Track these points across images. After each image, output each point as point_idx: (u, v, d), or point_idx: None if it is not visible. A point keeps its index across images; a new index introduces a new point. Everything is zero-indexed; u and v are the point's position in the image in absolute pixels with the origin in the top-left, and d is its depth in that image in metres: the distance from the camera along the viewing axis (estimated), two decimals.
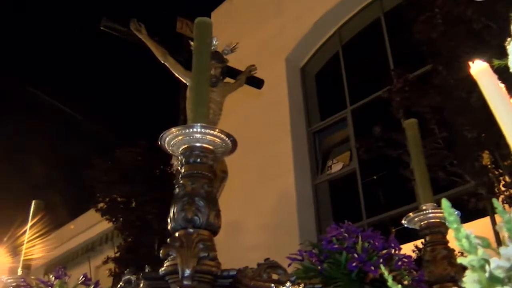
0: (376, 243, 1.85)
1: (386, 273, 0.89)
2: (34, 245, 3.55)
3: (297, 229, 7.91)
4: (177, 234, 1.63)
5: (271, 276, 1.89)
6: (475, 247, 0.77)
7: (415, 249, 5.56)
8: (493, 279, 0.75)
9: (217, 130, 1.77)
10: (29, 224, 3.54)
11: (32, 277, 3.11)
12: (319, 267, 1.81)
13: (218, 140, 1.77)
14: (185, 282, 1.52)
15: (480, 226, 5.57)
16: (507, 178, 5.29)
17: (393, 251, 1.90)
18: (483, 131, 5.43)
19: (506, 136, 0.81)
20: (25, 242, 3.48)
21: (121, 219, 9.16)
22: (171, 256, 1.60)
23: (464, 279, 0.78)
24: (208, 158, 1.76)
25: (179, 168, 1.79)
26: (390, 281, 0.88)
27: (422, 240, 2.66)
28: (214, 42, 3.62)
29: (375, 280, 1.77)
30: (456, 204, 0.83)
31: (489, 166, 5.52)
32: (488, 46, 5.12)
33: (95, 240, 12.81)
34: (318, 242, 1.98)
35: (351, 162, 8.45)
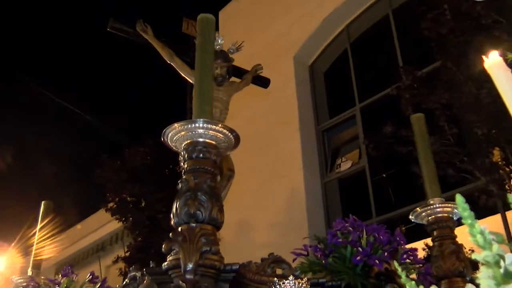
0: (381, 237, 1.84)
1: (399, 269, 0.88)
2: (44, 245, 3.58)
3: (307, 227, 7.89)
4: (180, 229, 1.63)
5: (275, 270, 1.88)
6: (489, 242, 0.77)
7: (425, 247, 5.52)
8: (508, 275, 0.75)
9: (220, 125, 1.77)
10: (39, 224, 3.57)
11: (42, 277, 3.13)
12: (324, 261, 1.80)
13: (221, 135, 1.77)
14: (188, 276, 1.52)
15: (491, 223, 5.52)
16: None
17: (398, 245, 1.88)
18: (493, 127, 5.39)
19: None
20: (35, 242, 3.51)
21: (131, 218, 9.20)
22: (174, 251, 1.61)
23: (478, 275, 0.78)
24: (211, 154, 1.76)
25: (182, 163, 1.79)
26: (403, 277, 0.88)
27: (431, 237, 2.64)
28: (219, 41, 3.63)
29: (380, 273, 1.76)
30: (466, 201, 0.82)
31: (500, 163, 5.47)
32: (498, 41, 5.08)
33: (105, 240, 12.88)
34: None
35: (360, 160, 8.41)
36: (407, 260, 1.89)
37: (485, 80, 5.40)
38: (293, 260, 1.95)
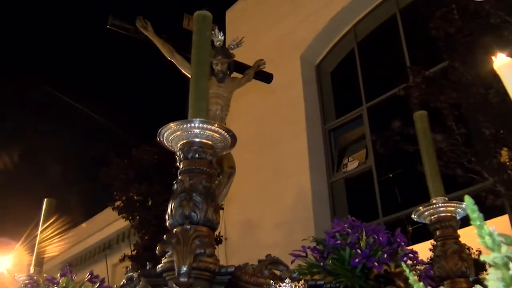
0: (381, 238, 1.80)
1: (407, 271, 0.86)
2: (47, 243, 3.57)
3: (313, 227, 7.86)
4: (174, 231, 1.61)
5: (272, 272, 1.86)
6: (498, 244, 0.76)
7: (432, 248, 5.46)
8: None
9: (216, 125, 1.74)
10: (41, 222, 3.57)
11: (44, 275, 3.13)
12: (322, 263, 1.77)
13: (217, 135, 1.74)
14: (182, 279, 1.49)
15: (499, 224, 5.44)
16: None
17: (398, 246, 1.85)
18: (501, 128, 5.33)
19: None
20: (37, 240, 3.51)
21: (138, 217, 9.22)
22: (168, 253, 1.58)
23: (487, 276, 0.77)
24: (207, 154, 1.73)
25: (178, 163, 1.77)
26: (411, 279, 0.86)
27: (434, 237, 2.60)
28: (220, 37, 3.60)
29: (380, 276, 1.73)
30: (475, 201, 0.80)
31: (508, 163, 5.40)
32: (507, 41, 5.02)
33: (112, 238, 12.92)
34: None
35: (367, 159, 8.36)
36: (408, 262, 1.86)
37: (493, 80, 5.35)
38: (292, 262, 1.92)
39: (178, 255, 1.51)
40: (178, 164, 1.77)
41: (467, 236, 2.36)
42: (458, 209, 2.32)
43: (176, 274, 1.50)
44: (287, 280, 1.56)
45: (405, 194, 7.68)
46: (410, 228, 6.91)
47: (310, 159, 8.61)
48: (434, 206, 2.31)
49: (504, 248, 0.75)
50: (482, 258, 0.78)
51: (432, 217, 2.33)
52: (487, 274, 0.79)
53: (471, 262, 2.28)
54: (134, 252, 9.23)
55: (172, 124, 1.72)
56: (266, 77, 4.49)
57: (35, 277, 2.86)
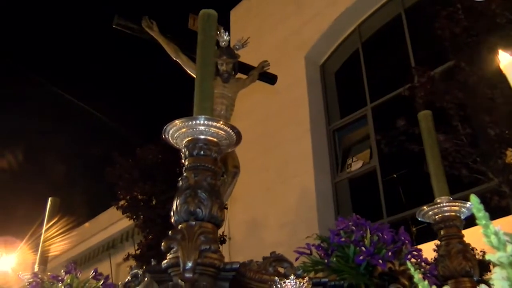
0: (385, 236, 1.80)
1: (412, 269, 0.86)
2: (52, 242, 3.59)
3: (317, 227, 7.85)
4: (179, 227, 1.62)
5: (277, 269, 1.86)
6: (504, 243, 0.76)
7: (436, 248, 5.45)
8: None
9: (221, 122, 1.74)
10: (46, 221, 3.58)
11: (49, 273, 3.15)
12: (326, 261, 1.78)
13: (222, 133, 1.74)
14: (187, 275, 1.50)
15: (503, 225, 5.42)
16: None
17: (402, 244, 1.85)
18: (507, 128, 5.31)
19: None
20: (42, 238, 3.53)
21: (142, 216, 9.23)
22: (173, 249, 1.59)
23: (492, 276, 0.77)
24: (212, 151, 1.74)
25: (183, 161, 1.78)
26: (416, 277, 0.86)
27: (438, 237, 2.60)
28: (225, 37, 3.61)
29: (384, 273, 1.73)
30: (480, 201, 0.81)
31: None
32: None
33: (116, 238, 12.95)
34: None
35: (371, 160, 8.35)
36: (412, 260, 1.85)
37: (499, 80, 5.33)
38: (296, 259, 1.92)
39: (183, 251, 1.52)
40: (183, 161, 1.78)
41: (471, 236, 2.36)
42: (463, 209, 2.31)
43: (181, 269, 1.51)
44: (292, 277, 1.57)
45: (410, 194, 7.67)
46: (414, 229, 6.90)
47: (314, 159, 8.61)
48: (439, 205, 2.31)
49: (509, 248, 0.75)
50: (487, 257, 0.78)
51: (436, 217, 2.33)
52: (491, 274, 0.79)
53: (475, 262, 2.28)
54: (138, 251, 9.24)
55: (177, 121, 1.72)
56: (270, 78, 4.49)
57: (40, 275, 2.88)
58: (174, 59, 3.78)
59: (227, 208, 7.87)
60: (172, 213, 1.68)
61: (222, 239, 7.99)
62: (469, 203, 2.30)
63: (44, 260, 3.41)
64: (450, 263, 2.17)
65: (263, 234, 8.39)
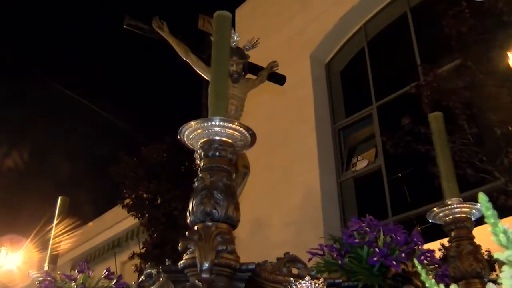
0: (399, 238, 1.81)
1: (419, 267, 0.87)
2: (60, 240, 3.61)
3: (322, 227, 7.87)
4: (196, 228, 1.63)
5: (291, 270, 1.87)
6: None
7: (441, 248, 5.46)
8: None
9: (236, 123, 1.75)
10: (56, 220, 3.60)
11: (58, 272, 3.16)
12: (340, 262, 1.79)
13: (237, 134, 1.75)
14: (204, 275, 1.51)
15: (510, 224, 5.42)
16: None
17: (415, 246, 1.86)
18: None
19: None
20: (51, 237, 3.55)
21: (147, 215, 9.26)
22: (190, 250, 1.60)
23: (500, 274, 0.76)
24: (227, 152, 1.75)
25: (198, 161, 1.79)
26: (423, 275, 0.87)
27: (449, 238, 2.60)
28: (235, 38, 3.62)
29: (397, 274, 1.74)
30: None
31: None
32: None
33: (121, 236, 12.98)
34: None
35: (377, 159, 8.35)
36: (425, 262, 1.87)
37: (505, 79, 5.33)
38: (309, 260, 1.94)
39: (200, 251, 1.53)
40: (198, 162, 1.79)
41: (476, 235, 2.37)
42: (473, 210, 2.32)
43: (198, 270, 1.52)
44: (307, 278, 1.58)
45: (414, 193, 7.67)
46: (419, 228, 6.90)
47: (319, 158, 8.62)
48: (449, 207, 2.31)
49: None
50: (495, 255, 0.78)
51: (447, 218, 2.33)
52: (497, 274, 0.79)
53: (485, 263, 2.29)
54: (143, 250, 9.28)
55: (192, 123, 1.73)
56: (279, 79, 4.51)
57: (52, 274, 2.89)
58: (184, 59, 3.79)
59: None
60: (188, 214, 1.69)
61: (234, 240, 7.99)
62: (479, 204, 2.31)
63: (54, 259, 3.43)
64: (461, 264, 2.18)
65: (267, 233, 8.41)
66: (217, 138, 1.75)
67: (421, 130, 5.81)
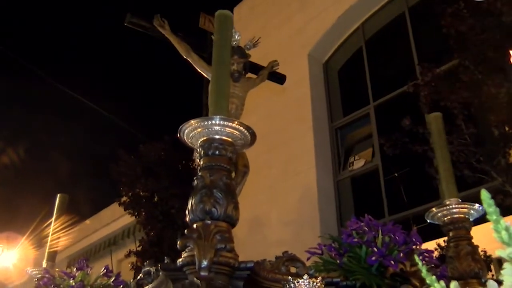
0: (397, 238, 1.82)
1: (419, 263, 0.88)
2: (58, 237, 3.61)
3: (319, 225, 7.88)
4: (195, 226, 1.63)
5: (289, 269, 1.88)
6: None
7: (437, 247, 5.48)
8: None
9: (236, 122, 1.76)
10: (54, 217, 3.60)
11: (57, 269, 3.16)
12: (338, 261, 1.79)
13: (237, 133, 1.76)
14: (202, 273, 1.51)
15: None
16: None
17: (414, 246, 1.86)
18: (511, 128, 5.32)
19: None
20: (50, 234, 3.54)
21: (144, 213, 9.25)
22: (189, 248, 1.61)
23: (502, 271, 0.77)
24: (227, 151, 1.75)
25: (198, 160, 1.79)
26: (424, 272, 0.87)
27: (445, 238, 2.61)
28: (236, 37, 3.62)
29: (396, 274, 1.74)
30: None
31: None
32: None
33: (117, 234, 12.97)
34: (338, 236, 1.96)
35: (374, 158, 8.37)
36: (423, 262, 1.87)
37: (504, 79, 5.34)
38: (307, 259, 1.94)
39: (199, 249, 1.53)
40: (198, 160, 1.79)
41: (473, 236, 2.38)
42: (471, 211, 2.33)
43: (197, 268, 1.52)
44: (305, 277, 1.58)
45: (411, 193, 7.69)
46: (416, 228, 6.91)
47: (316, 157, 8.62)
48: (448, 207, 2.32)
49: None
50: (497, 252, 0.78)
51: (445, 218, 2.34)
52: (492, 274, 0.80)
53: (483, 263, 2.30)
54: (139, 248, 9.26)
55: (192, 121, 1.74)
56: (279, 78, 4.51)
57: (50, 271, 2.89)
58: (185, 58, 3.79)
59: None
60: (187, 212, 1.69)
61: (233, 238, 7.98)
62: (477, 205, 2.32)
63: (52, 256, 3.43)
64: (459, 265, 2.19)
65: (265, 232, 8.41)
66: (217, 137, 1.75)
67: (419, 130, 5.82)
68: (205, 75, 3.72)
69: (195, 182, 1.72)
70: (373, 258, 1.75)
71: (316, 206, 8.20)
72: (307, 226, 7.84)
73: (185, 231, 1.64)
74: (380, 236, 1.82)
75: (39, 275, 3.03)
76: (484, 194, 0.79)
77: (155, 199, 9.30)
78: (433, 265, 2.06)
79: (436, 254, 5.08)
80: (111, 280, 2.55)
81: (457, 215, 2.29)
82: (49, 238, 3.38)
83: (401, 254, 1.78)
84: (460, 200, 2.34)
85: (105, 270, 2.60)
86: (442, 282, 0.87)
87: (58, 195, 3.48)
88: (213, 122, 1.73)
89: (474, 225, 2.42)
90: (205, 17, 4.04)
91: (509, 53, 4.89)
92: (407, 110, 6.42)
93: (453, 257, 2.21)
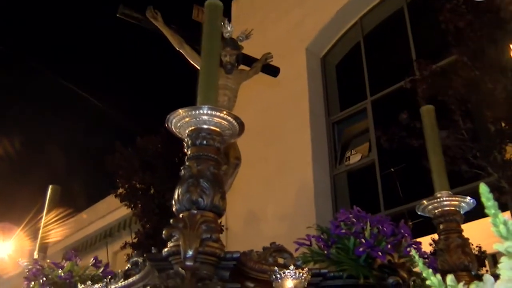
0: (385, 229, 1.81)
1: (416, 257, 0.87)
2: (51, 229, 3.59)
3: (315, 220, 7.87)
4: (181, 215, 1.62)
5: (277, 260, 1.87)
6: None
7: (432, 242, 5.47)
8: None
9: (224, 112, 1.74)
10: (46, 208, 3.59)
11: (48, 260, 3.16)
12: (326, 252, 1.78)
13: (225, 123, 1.75)
14: (188, 263, 1.51)
15: None
16: None
17: (402, 237, 1.85)
18: (507, 124, 5.32)
19: None
20: (41, 226, 3.53)
21: (140, 205, 9.26)
22: (175, 237, 1.60)
23: (499, 265, 0.76)
24: (215, 141, 1.74)
25: (186, 150, 1.78)
26: (420, 265, 0.87)
27: (437, 231, 2.60)
28: (229, 29, 3.60)
29: (383, 265, 1.74)
30: (478, 196, 0.81)
31: None
32: None
33: (113, 226, 12.97)
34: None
35: (370, 153, 8.36)
36: (411, 253, 1.86)
37: (501, 75, 5.33)
38: (296, 250, 1.93)
39: (185, 239, 1.52)
40: (186, 150, 1.78)
41: (468, 231, 2.37)
42: (462, 204, 2.32)
43: (182, 258, 1.51)
44: (291, 267, 1.57)
45: (407, 188, 7.69)
46: (411, 223, 6.91)
47: (313, 151, 8.61)
48: (438, 200, 2.32)
49: None
50: (495, 246, 0.78)
51: (436, 211, 2.34)
52: (487, 270, 0.79)
53: (474, 256, 2.29)
54: (135, 240, 9.27)
55: (180, 111, 1.72)
56: (273, 71, 4.49)
57: (40, 262, 2.88)
58: (178, 49, 3.77)
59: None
60: (173, 202, 1.68)
61: (219, 229, 8.00)
62: (468, 197, 2.31)
63: (44, 247, 3.42)
64: (449, 258, 2.19)
65: (260, 225, 8.41)
66: (205, 126, 1.74)
67: (416, 125, 5.81)
68: (198, 67, 3.70)
69: (182, 171, 1.71)
70: (361, 249, 1.74)
71: (312, 200, 8.19)
72: (303, 220, 7.83)
73: (171, 220, 1.63)
74: (368, 228, 1.81)
75: (30, 266, 3.03)
76: (483, 188, 0.78)
77: (152, 191, 9.31)
78: (421, 257, 2.05)
79: (431, 249, 5.09)
80: (100, 271, 2.54)
81: (447, 208, 2.29)
82: (41, 230, 3.37)
83: (389, 246, 1.78)
84: (451, 193, 2.33)
85: (93, 261, 2.60)
86: (439, 275, 0.87)
87: (50, 186, 3.47)
88: (201, 111, 1.72)
89: (470, 221, 2.42)
90: (198, 9, 4.01)
91: (510, 47, 4.89)
92: (404, 105, 6.41)
93: (443, 250, 2.21)
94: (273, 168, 8.77)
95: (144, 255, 1.89)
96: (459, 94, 5.65)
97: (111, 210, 12.43)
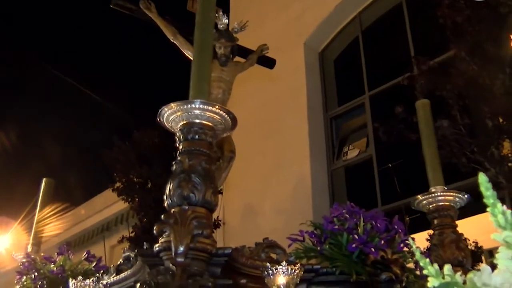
0: (379, 225, 1.80)
1: (414, 246, 0.86)
2: (46, 223, 3.58)
3: (312, 215, 7.87)
4: (172, 211, 1.60)
5: (269, 255, 1.85)
6: (511, 223, 0.75)
7: (429, 238, 5.47)
8: None
9: (216, 106, 1.72)
10: (40, 202, 3.57)
11: (42, 254, 3.15)
12: (319, 248, 1.77)
13: (218, 117, 1.73)
14: (178, 259, 1.49)
15: None
16: None
17: (396, 233, 1.84)
18: (505, 119, 5.31)
19: None
20: (35, 220, 3.52)
21: (137, 199, 9.23)
22: (166, 233, 1.58)
23: (497, 255, 0.76)
24: (207, 135, 1.72)
25: (178, 144, 1.76)
26: (418, 255, 0.85)
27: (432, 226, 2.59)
28: (224, 20, 3.56)
29: (376, 262, 1.72)
30: (475, 192, 0.80)
31: (510, 155, 5.38)
32: None
33: (110, 220, 12.96)
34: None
35: (368, 148, 8.35)
36: (405, 249, 1.86)
37: (499, 71, 5.31)
38: (289, 246, 1.92)
39: (176, 235, 1.51)
40: (177, 145, 1.76)
41: (464, 227, 2.36)
42: (457, 199, 2.31)
43: (173, 254, 1.50)
44: (284, 263, 1.56)
45: (405, 184, 7.68)
46: (408, 218, 6.92)
47: (310, 146, 8.60)
48: (433, 195, 2.31)
49: None
50: (493, 236, 0.77)
51: (431, 206, 2.33)
52: (481, 265, 0.78)
53: (468, 252, 2.29)
54: (132, 234, 9.25)
55: (172, 104, 1.70)
56: (269, 62, 4.45)
57: (33, 256, 2.87)
58: (172, 41, 3.73)
59: (222, 193, 7.89)
60: (165, 197, 1.66)
61: (216, 223, 8.00)
62: (463, 192, 2.30)
63: (38, 241, 3.41)
64: (443, 253, 2.18)
65: (257, 220, 8.41)
66: (197, 121, 1.72)
67: (413, 120, 5.80)
68: (192, 59, 3.66)
69: (174, 166, 1.70)
70: (354, 245, 1.73)
71: (310, 195, 8.19)
72: (300, 216, 7.80)
73: (162, 216, 1.61)
74: (362, 223, 1.79)
75: (23, 259, 3.02)
76: (482, 178, 0.78)
77: (149, 185, 9.28)
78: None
79: (427, 244, 5.10)
80: (92, 265, 2.53)
81: (442, 203, 2.28)
82: (34, 224, 3.36)
83: (382, 242, 1.76)
84: (445, 188, 2.32)
85: (86, 255, 2.58)
86: (436, 265, 0.86)
87: (44, 179, 3.44)
88: (193, 105, 1.70)
89: (466, 217, 2.40)
90: (193, 0, 3.98)
91: (510, 37, 4.86)
92: (402, 100, 6.39)
93: (437, 245, 2.20)
94: (271, 163, 8.76)
95: (136, 251, 1.87)
96: (457, 89, 5.64)
97: (108, 204, 12.41)
